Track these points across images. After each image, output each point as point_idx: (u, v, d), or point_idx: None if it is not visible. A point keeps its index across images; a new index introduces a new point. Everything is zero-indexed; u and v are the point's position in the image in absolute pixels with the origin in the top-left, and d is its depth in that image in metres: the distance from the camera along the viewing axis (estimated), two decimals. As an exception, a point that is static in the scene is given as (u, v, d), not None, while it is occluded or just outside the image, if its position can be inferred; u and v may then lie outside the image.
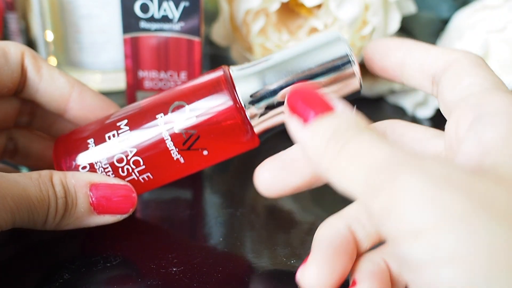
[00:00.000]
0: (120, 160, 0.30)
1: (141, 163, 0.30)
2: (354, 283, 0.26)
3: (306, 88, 0.24)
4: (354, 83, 0.29)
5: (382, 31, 0.45)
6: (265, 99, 0.29)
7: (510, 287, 0.16)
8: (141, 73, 0.39)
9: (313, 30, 0.46)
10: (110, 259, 0.29)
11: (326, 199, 0.37)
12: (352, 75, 0.29)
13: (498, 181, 0.19)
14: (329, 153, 0.21)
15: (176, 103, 0.30)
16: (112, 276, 0.28)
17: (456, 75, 0.26)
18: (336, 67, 0.29)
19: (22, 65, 0.31)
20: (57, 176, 0.29)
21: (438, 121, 0.49)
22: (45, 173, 0.28)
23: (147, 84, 0.40)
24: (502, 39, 0.43)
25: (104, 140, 0.30)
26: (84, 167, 0.30)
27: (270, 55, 0.30)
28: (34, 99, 0.33)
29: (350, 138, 0.21)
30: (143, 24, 0.38)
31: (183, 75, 0.39)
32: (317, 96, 0.24)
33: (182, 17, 0.37)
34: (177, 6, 0.37)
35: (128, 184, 0.30)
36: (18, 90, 0.32)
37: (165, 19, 0.37)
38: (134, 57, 0.39)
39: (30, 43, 0.50)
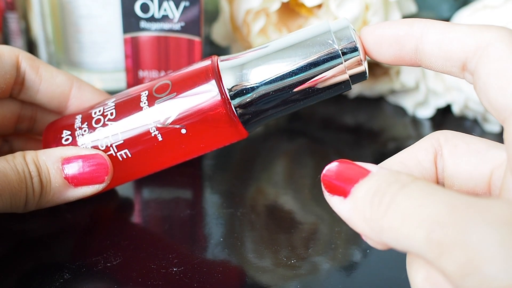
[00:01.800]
0: (98, 121, 0.30)
1: (120, 138, 0.30)
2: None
3: (337, 165, 0.24)
4: (359, 70, 0.28)
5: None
6: (253, 90, 0.29)
7: None
8: (142, 73, 0.39)
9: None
10: (110, 259, 0.29)
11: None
12: (355, 64, 0.28)
13: None
14: (375, 213, 0.20)
15: (162, 82, 0.30)
16: (112, 276, 0.28)
17: (500, 69, 0.22)
18: (329, 58, 0.28)
19: (17, 68, 0.31)
20: (29, 155, 0.29)
21: (438, 120, 0.49)
22: (18, 154, 0.29)
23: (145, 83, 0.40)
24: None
25: (90, 114, 0.31)
26: (67, 140, 0.31)
27: (263, 44, 0.30)
28: (35, 100, 0.33)
29: (396, 193, 0.20)
30: (143, 24, 0.38)
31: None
32: (350, 168, 0.23)
33: (182, 17, 0.37)
34: (177, 6, 0.37)
35: (100, 152, 0.30)
36: (15, 92, 0.32)
37: (165, 19, 0.37)
38: (134, 57, 0.39)
39: (30, 43, 0.50)
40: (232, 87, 0.29)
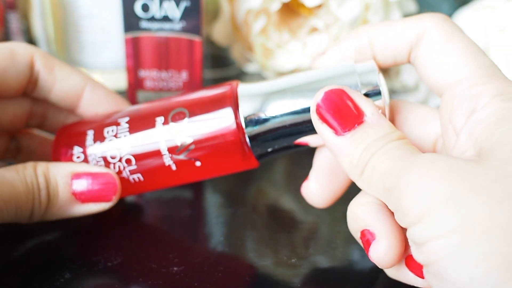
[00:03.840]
0: (113, 156, 0.30)
1: (133, 163, 0.30)
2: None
3: (335, 96, 0.25)
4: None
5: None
6: (269, 121, 0.28)
7: (491, 249, 0.19)
8: (142, 73, 0.40)
9: (314, 29, 0.46)
10: (111, 259, 0.29)
11: (326, 198, 0.37)
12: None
13: (479, 164, 0.21)
14: (360, 166, 0.24)
15: (177, 109, 0.30)
16: (113, 275, 0.28)
17: (433, 53, 0.26)
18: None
19: (31, 67, 0.31)
20: (40, 168, 0.29)
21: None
22: (29, 165, 0.29)
23: (148, 83, 0.40)
24: (502, 39, 0.43)
25: (103, 134, 0.30)
26: (78, 157, 0.30)
27: (285, 76, 0.29)
28: (48, 99, 0.33)
29: (377, 150, 0.24)
30: (144, 24, 0.38)
31: (184, 74, 0.39)
32: (347, 105, 0.25)
33: (183, 17, 0.37)
34: (178, 6, 0.37)
35: (110, 171, 0.30)
36: (28, 91, 0.32)
37: (166, 19, 0.37)
38: (135, 56, 0.39)
39: (31, 43, 0.50)
40: (248, 115, 0.28)
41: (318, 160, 0.30)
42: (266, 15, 0.45)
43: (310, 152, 0.43)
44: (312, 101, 0.26)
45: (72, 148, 0.31)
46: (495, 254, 0.19)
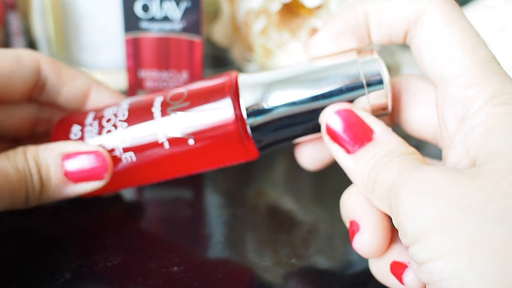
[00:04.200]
0: (109, 130, 0.30)
1: (127, 138, 0.30)
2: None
3: (343, 114, 0.26)
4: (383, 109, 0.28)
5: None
6: (271, 111, 0.28)
7: (489, 272, 0.19)
8: (142, 73, 0.40)
9: (314, 30, 0.47)
10: (111, 259, 0.29)
11: (327, 198, 0.37)
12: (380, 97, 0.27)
13: (474, 179, 0.21)
14: (371, 183, 0.24)
15: (177, 91, 0.30)
16: (113, 275, 0.28)
17: (431, 38, 0.24)
18: (356, 87, 0.27)
19: (38, 71, 0.32)
20: (30, 152, 0.29)
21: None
22: (19, 150, 0.29)
23: (148, 84, 0.40)
24: (502, 39, 0.43)
25: (103, 113, 0.31)
26: (75, 134, 0.31)
27: (286, 66, 0.29)
28: (55, 103, 0.33)
29: (384, 165, 0.24)
30: (144, 24, 0.38)
31: (184, 75, 0.39)
32: (356, 123, 0.25)
33: (183, 17, 0.37)
34: (178, 6, 0.37)
35: (100, 149, 0.30)
36: (34, 95, 0.33)
37: (166, 19, 0.37)
38: (135, 57, 0.39)
39: (31, 43, 0.50)
40: (250, 106, 0.28)
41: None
42: (266, 15, 0.45)
43: (310, 152, 0.43)
44: (322, 122, 0.27)
45: (71, 127, 0.31)
46: (493, 277, 0.19)
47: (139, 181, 0.32)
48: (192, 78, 0.39)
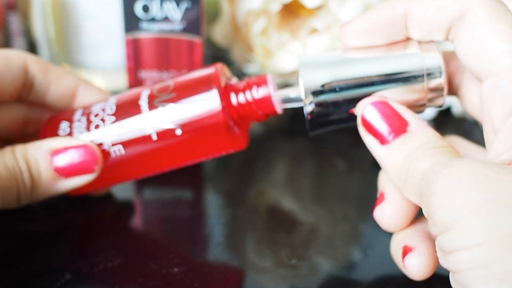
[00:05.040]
0: (97, 125, 0.30)
1: (115, 132, 0.30)
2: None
3: (379, 106, 0.26)
4: (438, 100, 0.27)
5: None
6: (329, 93, 0.27)
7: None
8: (143, 74, 0.40)
9: (314, 30, 0.47)
10: (111, 259, 0.29)
11: (327, 199, 0.37)
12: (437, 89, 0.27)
13: (510, 175, 0.21)
14: (403, 173, 0.25)
15: (164, 84, 0.30)
16: (113, 276, 0.28)
17: (476, 35, 0.24)
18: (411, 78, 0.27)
19: (26, 71, 0.32)
20: (18, 150, 0.29)
21: (439, 122, 0.49)
22: (7, 149, 0.29)
23: (149, 84, 0.40)
24: None
25: (91, 109, 0.31)
26: (64, 131, 0.31)
27: (347, 50, 0.28)
28: (44, 102, 0.33)
29: (417, 157, 0.24)
30: (144, 25, 0.38)
31: (184, 75, 0.39)
32: (391, 115, 0.26)
33: (183, 18, 0.37)
34: (178, 7, 0.37)
35: (88, 142, 0.30)
36: (23, 95, 0.33)
37: (166, 19, 0.37)
38: (135, 57, 0.39)
39: (32, 44, 0.50)
40: (309, 85, 0.27)
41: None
42: (267, 16, 0.45)
43: (310, 152, 0.43)
44: (357, 113, 0.27)
45: (59, 123, 0.31)
46: None
47: (129, 176, 0.32)
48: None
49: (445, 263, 0.22)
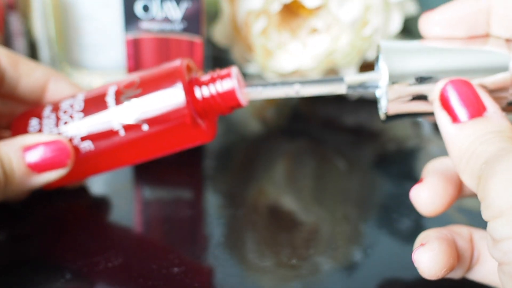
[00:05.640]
0: (66, 121, 0.31)
1: (84, 129, 0.30)
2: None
3: (461, 85, 0.25)
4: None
5: (383, 32, 0.45)
6: (412, 80, 0.27)
7: None
8: (143, 74, 0.40)
9: (314, 30, 0.47)
10: (111, 259, 0.29)
11: (327, 199, 0.37)
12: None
13: None
14: (467, 154, 0.24)
15: (130, 78, 0.31)
16: (113, 276, 0.28)
17: None
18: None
19: None
20: None
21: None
22: None
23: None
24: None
25: (60, 105, 0.32)
26: (34, 127, 0.31)
27: (431, 39, 0.28)
28: (14, 95, 0.33)
29: (486, 141, 0.24)
30: (144, 25, 0.38)
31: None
32: (471, 96, 0.25)
33: (183, 18, 0.37)
34: (178, 7, 0.37)
35: (59, 137, 0.30)
36: None
37: (166, 19, 0.37)
38: (135, 57, 0.39)
39: (32, 44, 0.50)
40: (392, 71, 0.27)
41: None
42: (267, 16, 0.45)
43: (310, 152, 0.43)
44: (438, 87, 0.26)
45: (29, 120, 0.32)
46: None
47: (101, 169, 0.33)
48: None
49: (494, 252, 0.21)
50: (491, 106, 0.25)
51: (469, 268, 0.27)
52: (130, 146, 0.31)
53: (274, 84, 0.29)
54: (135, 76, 0.31)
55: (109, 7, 0.45)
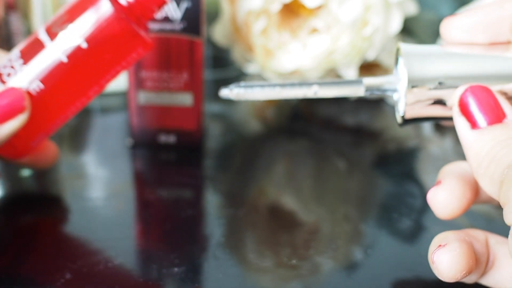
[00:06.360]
0: (9, 74, 0.31)
1: (32, 74, 0.31)
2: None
3: (481, 91, 0.25)
4: None
5: (383, 32, 0.45)
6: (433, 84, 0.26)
7: None
8: (143, 74, 0.40)
9: (314, 30, 0.47)
10: (111, 259, 0.29)
11: (327, 199, 0.37)
12: None
13: None
14: (487, 159, 0.24)
15: (57, 15, 0.31)
16: (113, 276, 0.28)
17: None
18: None
19: None
20: None
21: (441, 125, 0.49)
22: None
23: (149, 84, 0.40)
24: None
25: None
26: None
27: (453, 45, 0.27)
28: None
29: (508, 145, 0.23)
30: (144, 25, 0.38)
31: (185, 75, 0.39)
32: (490, 103, 0.25)
33: (183, 18, 0.37)
34: (178, 7, 0.37)
35: (10, 86, 0.31)
36: None
37: (166, 19, 0.37)
38: (135, 57, 0.39)
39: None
40: (414, 75, 0.26)
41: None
42: (267, 16, 0.45)
43: (310, 152, 0.43)
44: (457, 93, 0.26)
45: None
46: None
47: (60, 110, 0.33)
48: (193, 79, 0.39)
49: None
50: (511, 112, 0.25)
51: (484, 273, 0.27)
52: (78, 72, 0.31)
53: (292, 85, 0.29)
54: (61, 11, 0.32)
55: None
